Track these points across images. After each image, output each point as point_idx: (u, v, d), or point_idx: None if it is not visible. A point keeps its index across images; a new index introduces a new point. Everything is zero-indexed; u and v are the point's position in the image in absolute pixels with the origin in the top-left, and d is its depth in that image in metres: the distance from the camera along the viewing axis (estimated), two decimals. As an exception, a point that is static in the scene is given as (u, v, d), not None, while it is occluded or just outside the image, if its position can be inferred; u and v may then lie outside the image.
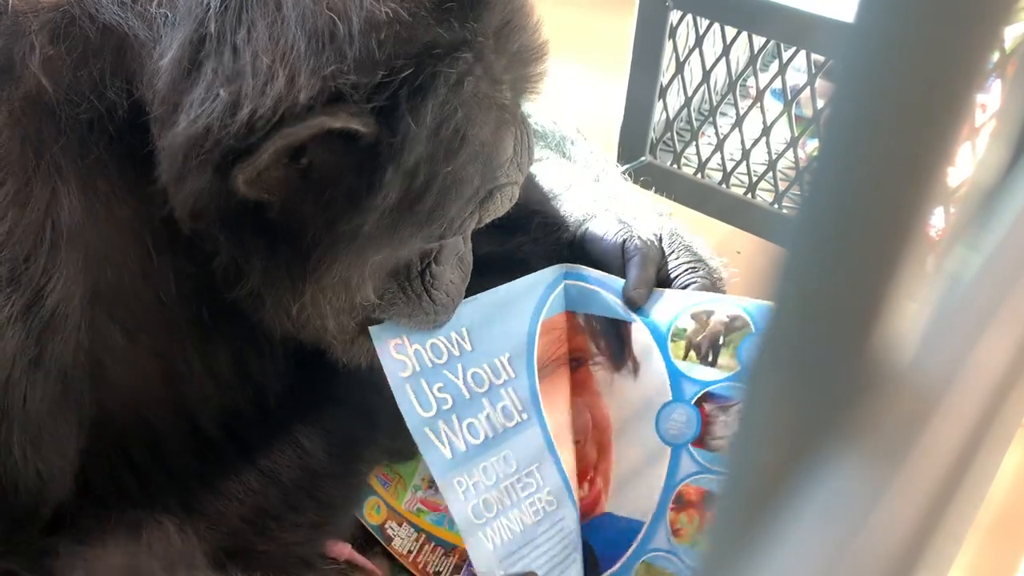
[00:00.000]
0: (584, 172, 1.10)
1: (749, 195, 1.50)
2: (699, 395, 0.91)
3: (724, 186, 1.52)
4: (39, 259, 0.70)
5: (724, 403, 0.90)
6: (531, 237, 1.03)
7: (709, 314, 0.93)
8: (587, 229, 1.02)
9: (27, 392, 0.72)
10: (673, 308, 0.94)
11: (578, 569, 0.92)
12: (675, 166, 1.55)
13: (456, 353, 0.92)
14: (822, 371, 0.22)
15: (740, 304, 0.93)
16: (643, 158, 1.53)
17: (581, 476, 0.94)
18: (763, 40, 1.39)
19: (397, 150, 0.69)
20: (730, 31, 1.41)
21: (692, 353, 0.92)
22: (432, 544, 0.97)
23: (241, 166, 0.68)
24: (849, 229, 0.20)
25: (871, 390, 0.22)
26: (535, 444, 0.92)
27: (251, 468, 0.90)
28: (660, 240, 1.00)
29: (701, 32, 1.43)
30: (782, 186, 1.47)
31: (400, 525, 0.98)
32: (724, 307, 0.93)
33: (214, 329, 0.84)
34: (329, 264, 0.75)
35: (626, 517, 0.92)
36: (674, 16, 1.41)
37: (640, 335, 0.94)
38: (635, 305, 0.96)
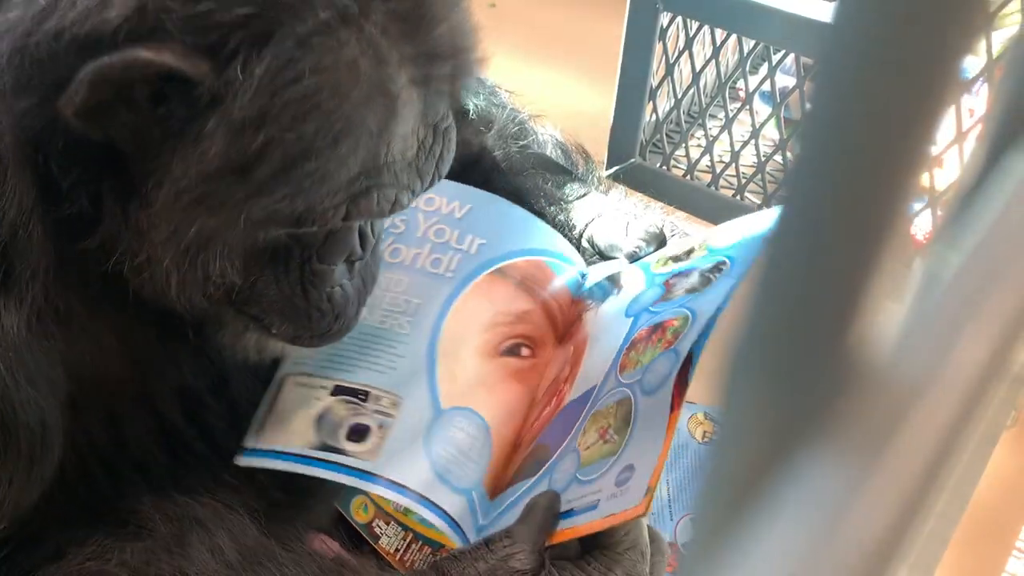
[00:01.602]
0: (593, 186, 1.15)
1: (738, 197, 1.51)
2: (667, 278, 0.93)
3: (713, 188, 1.52)
4: None
5: (688, 272, 0.90)
6: None
7: (686, 235, 1.00)
8: (594, 225, 1.07)
9: (1, 312, 0.68)
10: (660, 251, 1.00)
11: (418, 396, 0.90)
12: (664, 168, 1.56)
13: (446, 213, 0.98)
14: (801, 369, 0.22)
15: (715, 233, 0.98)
16: (632, 160, 1.54)
17: (551, 396, 0.93)
18: (752, 43, 1.39)
19: (221, 96, 0.64)
20: (720, 33, 1.41)
21: (670, 262, 0.95)
22: (419, 543, 0.97)
23: (63, 95, 0.64)
24: (828, 228, 0.20)
25: (849, 388, 0.22)
26: (434, 295, 0.95)
27: (222, 465, 0.89)
28: (662, 223, 1.04)
29: (691, 34, 1.43)
30: (771, 188, 1.48)
31: (387, 524, 0.98)
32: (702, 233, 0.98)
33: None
34: (159, 222, 0.70)
35: (581, 393, 0.89)
36: (664, 18, 1.42)
37: (629, 271, 0.98)
38: (635, 257, 1.00)
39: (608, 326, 0.94)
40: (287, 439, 0.88)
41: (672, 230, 1.05)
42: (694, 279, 0.89)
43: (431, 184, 0.79)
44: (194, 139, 0.66)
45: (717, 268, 0.88)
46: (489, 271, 0.97)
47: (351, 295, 0.83)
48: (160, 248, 0.71)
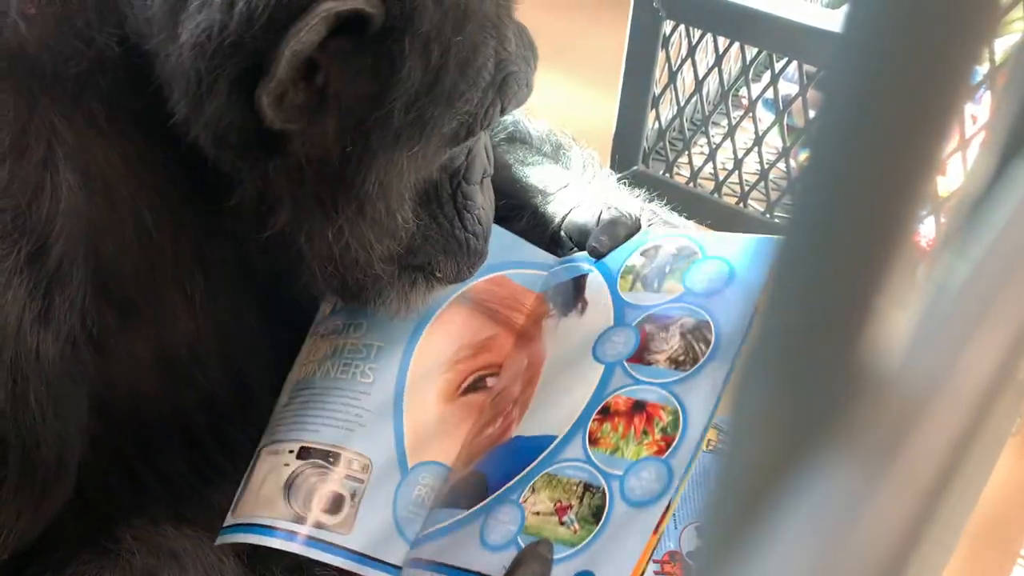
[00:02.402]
0: (579, 175, 1.12)
1: (741, 205, 1.51)
2: (641, 319, 0.89)
3: (716, 195, 1.52)
4: (41, 207, 0.69)
5: (664, 321, 0.88)
6: (521, 229, 1.05)
7: (658, 248, 0.94)
8: (570, 215, 1.04)
9: (39, 346, 0.70)
10: (627, 249, 0.96)
11: (363, 443, 0.88)
12: (667, 175, 1.56)
13: None
14: (811, 376, 0.22)
15: (689, 235, 0.94)
16: (636, 167, 1.54)
17: (498, 414, 0.91)
18: (755, 50, 1.39)
19: (409, 19, 0.69)
20: (723, 41, 1.41)
21: (639, 284, 0.92)
22: None
23: (263, 85, 0.67)
24: (837, 236, 0.20)
25: (859, 396, 0.22)
26: (395, 335, 0.93)
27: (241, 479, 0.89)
28: (640, 212, 1.01)
29: (694, 42, 1.43)
30: (774, 196, 1.48)
31: None
32: (673, 240, 0.94)
33: (204, 317, 0.83)
34: (364, 174, 0.74)
35: (535, 436, 0.86)
36: (667, 26, 1.42)
37: (594, 280, 0.95)
38: (596, 254, 0.96)
39: (572, 362, 0.90)
40: (258, 509, 0.84)
41: (651, 216, 1.02)
42: (675, 343, 0.85)
43: (534, 66, 0.83)
44: (392, 72, 0.70)
45: (700, 332, 0.85)
46: (449, 300, 0.95)
47: (489, 212, 0.89)
48: (362, 210, 0.75)
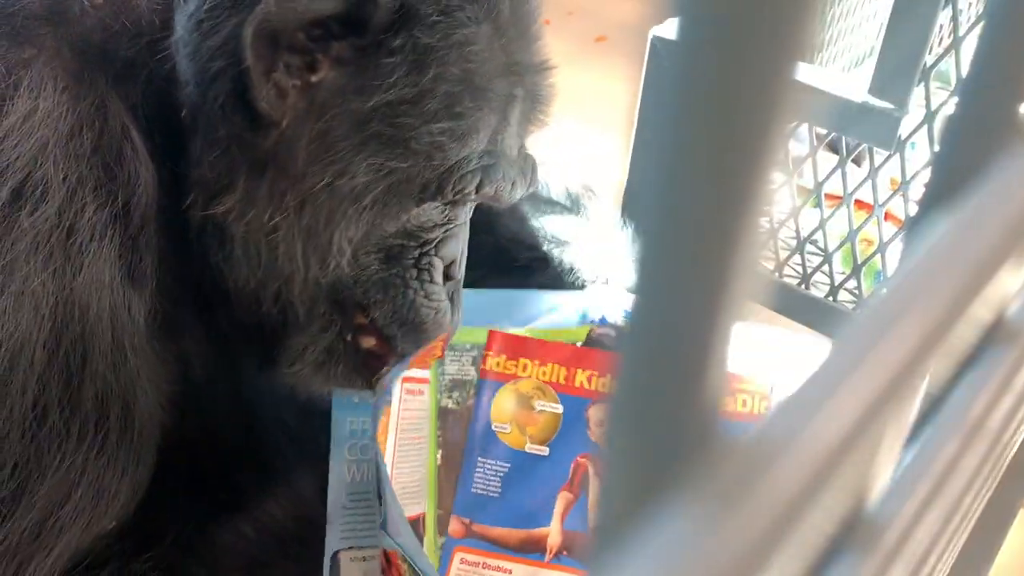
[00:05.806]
0: (596, 227, 1.15)
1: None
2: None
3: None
4: (126, 166, 0.70)
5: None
6: (539, 283, 1.06)
7: None
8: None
9: (130, 303, 0.70)
10: None
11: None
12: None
13: None
14: (660, 423, 0.23)
15: None
16: (646, 219, 1.55)
17: None
18: (767, 110, 1.41)
19: (409, 19, 0.71)
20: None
21: None
22: None
23: (251, 18, 0.69)
24: (683, 283, 0.22)
25: (706, 446, 0.23)
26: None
27: (246, 517, 0.89)
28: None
29: (707, 99, 1.45)
30: (783, 255, 1.49)
31: None
32: None
33: (219, 352, 0.84)
34: (321, 171, 0.73)
35: None
36: (681, 82, 1.44)
37: None
38: None
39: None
40: None
41: None
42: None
43: (526, 190, 0.85)
44: (374, 69, 0.71)
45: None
46: None
47: (450, 312, 0.86)
48: (303, 216, 0.74)
